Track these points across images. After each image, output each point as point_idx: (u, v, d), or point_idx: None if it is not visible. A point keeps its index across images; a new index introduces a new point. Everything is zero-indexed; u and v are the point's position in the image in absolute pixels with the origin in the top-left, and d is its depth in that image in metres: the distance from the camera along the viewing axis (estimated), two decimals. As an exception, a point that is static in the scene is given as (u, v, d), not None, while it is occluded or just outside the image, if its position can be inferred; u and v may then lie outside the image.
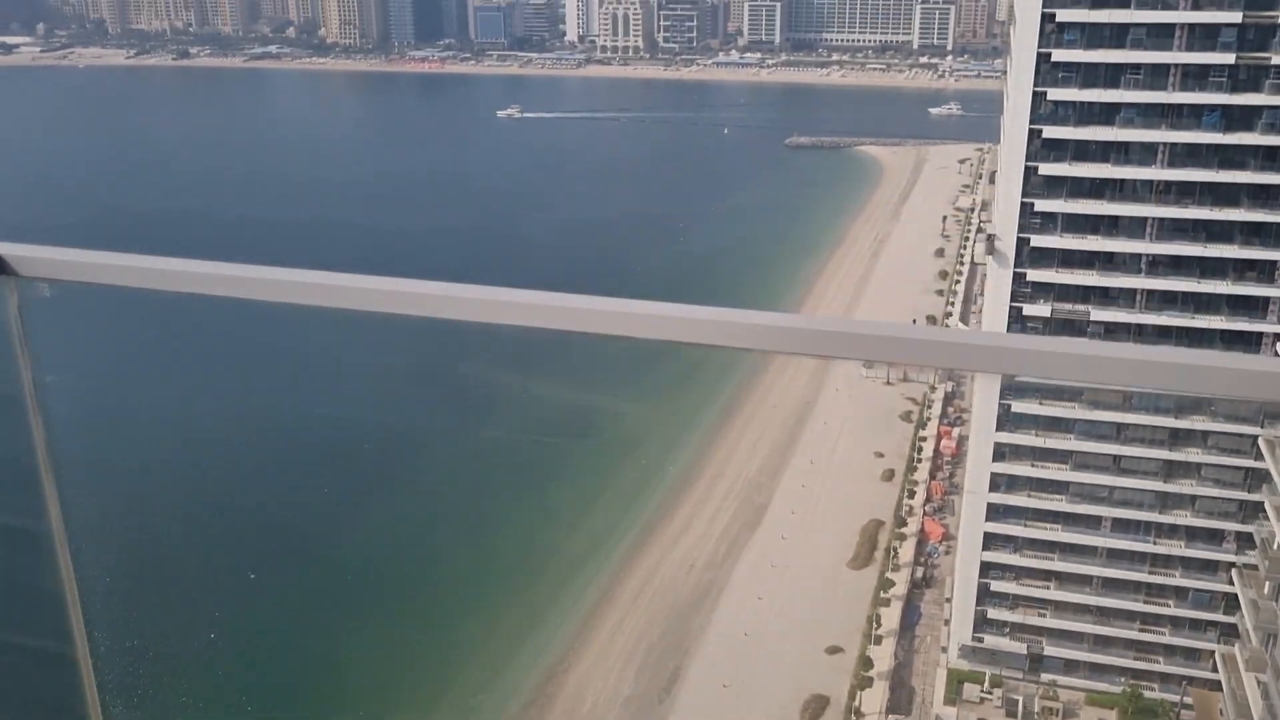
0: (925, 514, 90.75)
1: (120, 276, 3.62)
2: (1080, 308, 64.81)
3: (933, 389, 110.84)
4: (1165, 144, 61.46)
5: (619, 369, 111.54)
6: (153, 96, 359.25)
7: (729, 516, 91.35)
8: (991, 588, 70.25)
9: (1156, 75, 60.92)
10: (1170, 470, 65.13)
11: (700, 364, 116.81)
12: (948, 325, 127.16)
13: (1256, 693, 55.34)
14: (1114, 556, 66.94)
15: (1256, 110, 59.71)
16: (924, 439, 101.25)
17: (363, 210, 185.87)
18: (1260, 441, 59.82)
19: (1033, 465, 67.72)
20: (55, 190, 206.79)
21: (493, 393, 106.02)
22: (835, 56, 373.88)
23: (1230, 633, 63.20)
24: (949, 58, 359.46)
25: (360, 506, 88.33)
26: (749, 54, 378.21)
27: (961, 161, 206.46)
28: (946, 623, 76.26)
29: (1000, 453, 67.94)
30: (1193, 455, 64.37)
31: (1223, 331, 63.03)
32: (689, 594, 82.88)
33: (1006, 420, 67.63)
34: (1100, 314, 64.58)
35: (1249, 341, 62.42)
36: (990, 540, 69.27)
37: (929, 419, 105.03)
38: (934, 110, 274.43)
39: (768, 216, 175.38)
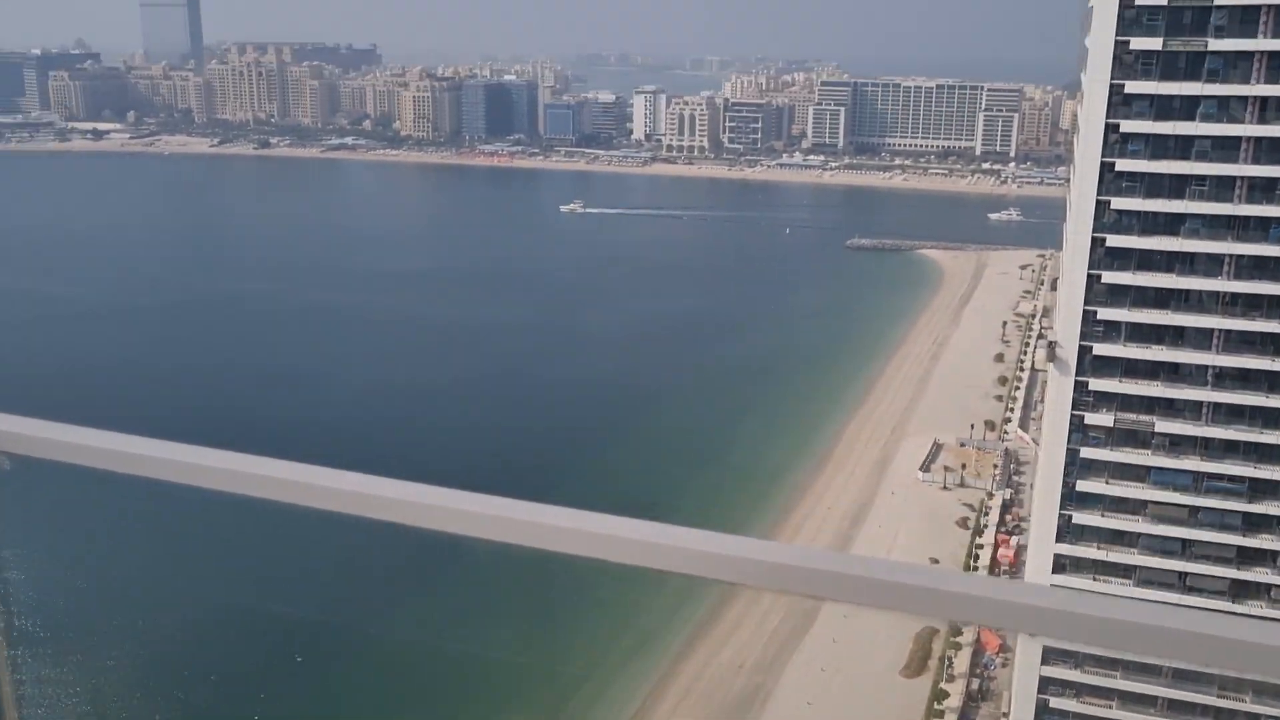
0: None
1: (82, 455, 3.41)
2: (1145, 418, 63.69)
3: (990, 495, 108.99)
4: (1231, 256, 60.90)
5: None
6: (232, 184, 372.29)
7: (780, 617, 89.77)
8: (1051, 704, 67.96)
9: (1222, 187, 60.67)
10: (1239, 590, 63.04)
11: (754, 466, 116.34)
12: (1006, 432, 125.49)
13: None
14: (1178, 677, 64.53)
15: (1326, 225, 59.11)
16: (981, 547, 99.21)
17: (427, 301, 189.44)
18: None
19: (1094, 579, 65.97)
20: (136, 272, 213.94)
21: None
22: (898, 161, 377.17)
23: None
24: (1012, 164, 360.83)
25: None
26: (812, 156, 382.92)
27: (1023, 267, 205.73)
28: (1003, 739, 73.73)
29: (1060, 565, 66.36)
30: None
31: (1293, 447, 61.52)
32: (736, 697, 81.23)
33: (1067, 531, 66.17)
34: (1165, 425, 63.41)
35: (1320, 459, 60.81)
36: (1049, 654, 67.23)
37: (986, 526, 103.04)
38: (993, 215, 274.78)
39: (828, 317, 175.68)
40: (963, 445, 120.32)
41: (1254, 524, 62.53)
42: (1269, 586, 62.15)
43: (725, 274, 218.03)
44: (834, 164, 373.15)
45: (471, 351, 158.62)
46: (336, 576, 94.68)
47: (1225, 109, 60.53)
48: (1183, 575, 63.97)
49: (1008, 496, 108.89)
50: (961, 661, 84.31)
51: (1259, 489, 62.31)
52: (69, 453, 3.42)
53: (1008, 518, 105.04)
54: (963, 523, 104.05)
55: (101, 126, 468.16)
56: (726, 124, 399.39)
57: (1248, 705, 63.54)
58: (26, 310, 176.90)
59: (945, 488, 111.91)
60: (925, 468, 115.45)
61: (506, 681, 79.92)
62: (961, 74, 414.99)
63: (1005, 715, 75.32)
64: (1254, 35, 59.09)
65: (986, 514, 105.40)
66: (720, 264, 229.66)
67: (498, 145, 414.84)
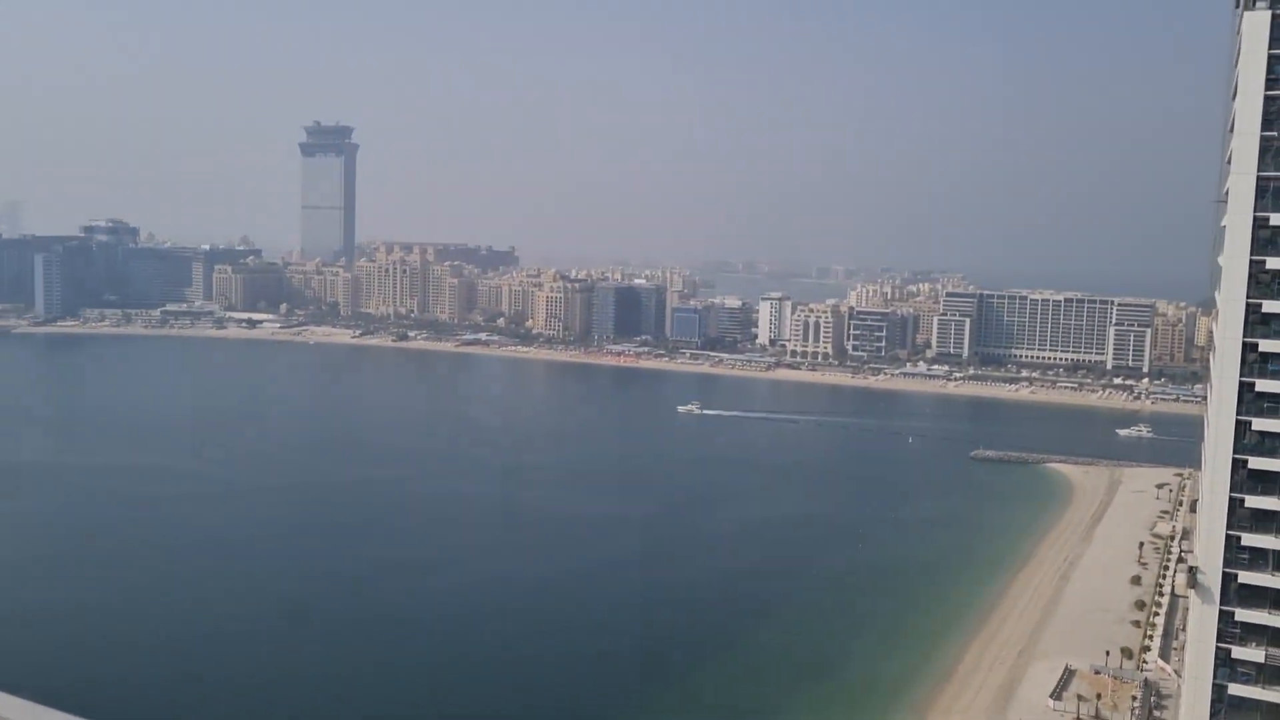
0: None
1: None
2: (1298, 654, 59.41)
3: None
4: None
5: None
6: (370, 373, 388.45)
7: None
8: None
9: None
10: None
11: (871, 682, 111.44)
12: (1145, 661, 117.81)
13: None
14: None
15: None
16: None
17: (548, 494, 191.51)
18: None
19: None
20: (270, 457, 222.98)
21: None
22: (1024, 373, 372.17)
23: None
24: (1145, 380, 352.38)
25: None
26: (936, 365, 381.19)
27: (1159, 486, 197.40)
28: None
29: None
30: None
31: None
32: None
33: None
34: (1322, 664, 58.97)
35: None
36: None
37: None
38: (1122, 431, 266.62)
39: (950, 529, 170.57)
40: (1097, 673, 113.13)
41: None
42: None
43: (846, 480, 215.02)
44: (959, 374, 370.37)
45: (585, 546, 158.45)
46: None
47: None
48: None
49: None
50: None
51: None
52: None
53: None
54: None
55: (256, 316, 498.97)
56: (851, 331, 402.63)
57: None
58: (171, 487, 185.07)
59: (1079, 718, 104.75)
60: (1057, 695, 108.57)
61: None
62: (1087, 287, 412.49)
63: None
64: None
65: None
66: (841, 470, 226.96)
67: (624, 345, 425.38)
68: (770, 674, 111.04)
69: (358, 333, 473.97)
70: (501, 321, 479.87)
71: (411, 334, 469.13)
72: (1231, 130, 62.46)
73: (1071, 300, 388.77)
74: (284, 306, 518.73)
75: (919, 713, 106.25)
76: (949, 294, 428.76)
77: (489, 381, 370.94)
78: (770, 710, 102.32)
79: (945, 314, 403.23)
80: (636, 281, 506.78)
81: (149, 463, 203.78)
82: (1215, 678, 61.43)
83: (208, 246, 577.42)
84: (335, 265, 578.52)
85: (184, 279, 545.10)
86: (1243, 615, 60.28)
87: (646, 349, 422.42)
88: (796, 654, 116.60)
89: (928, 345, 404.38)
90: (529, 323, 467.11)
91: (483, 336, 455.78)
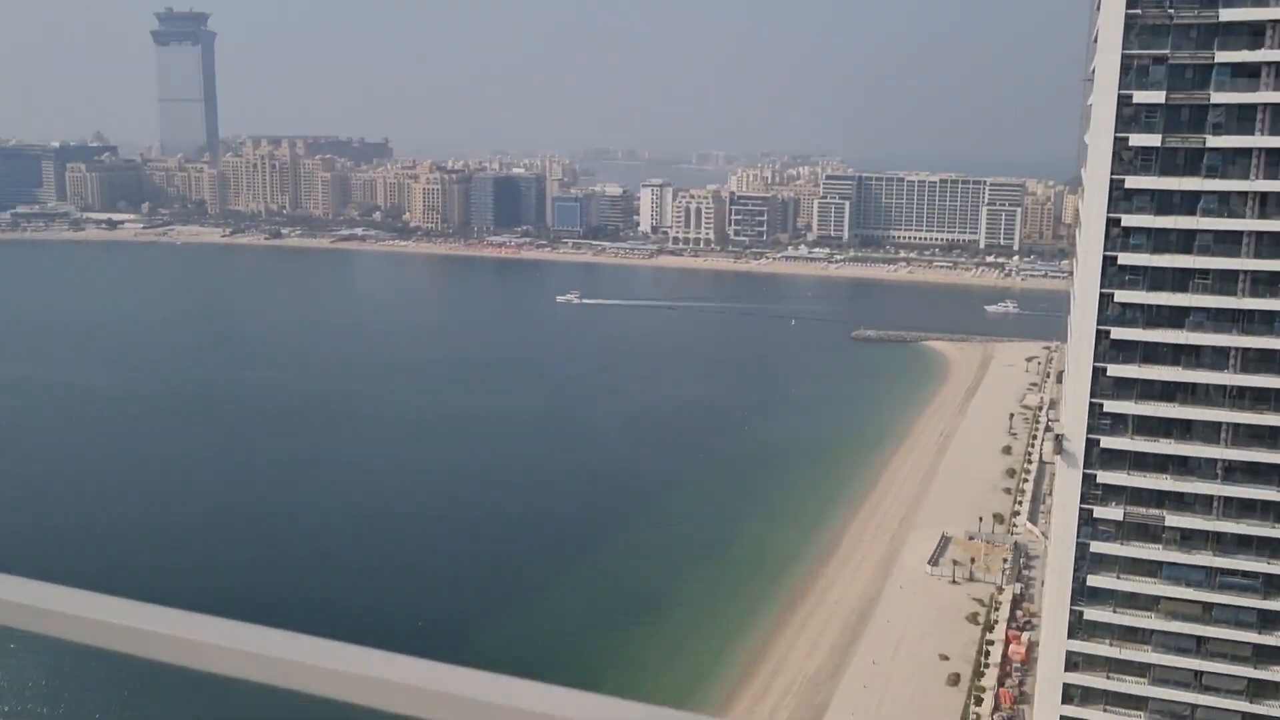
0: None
1: None
2: (1154, 512, 62.99)
3: (1000, 590, 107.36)
4: (1237, 349, 60.81)
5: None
6: (242, 274, 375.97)
7: (786, 716, 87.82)
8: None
9: (1226, 281, 60.87)
10: (1257, 690, 61.62)
11: (758, 560, 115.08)
12: (1015, 525, 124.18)
13: None
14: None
15: (1330, 317, 59.19)
16: (991, 643, 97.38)
17: (430, 391, 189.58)
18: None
19: (1108, 677, 64.56)
20: (141, 362, 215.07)
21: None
22: (902, 253, 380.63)
23: None
24: (1015, 257, 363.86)
25: None
26: (817, 249, 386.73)
27: (1029, 359, 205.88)
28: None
29: (1073, 662, 64.99)
30: (1280, 674, 60.96)
31: (1306, 543, 60.65)
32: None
33: (1079, 628, 64.94)
34: (1176, 520, 62.69)
35: (1335, 555, 59.91)
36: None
37: (996, 622, 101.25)
38: (990, 308, 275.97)
39: (834, 408, 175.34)
40: (971, 539, 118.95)
41: (1270, 621, 61.36)
42: (1287, 686, 60.74)
43: (731, 365, 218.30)
44: (839, 256, 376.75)
45: (474, 442, 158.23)
46: None
47: (1225, 204, 61.04)
48: (1198, 674, 62.60)
49: (1018, 591, 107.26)
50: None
51: (1274, 585, 61.28)
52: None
53: (1018, 613, 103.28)
54: (972, 618, 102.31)
55: (116, 217, 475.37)
56: (732, 217, 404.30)
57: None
58: (31, 398, 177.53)
59: (954, 582, 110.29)
60: (933, 561, 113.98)
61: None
62: (964, 169, 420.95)
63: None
64: (1251, 133, 59.89)
65: (996, 609, 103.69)
66: (726, 355, 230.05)
67: (505, 237, 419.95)
68: (663, 556, 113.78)
69: (227, 231, 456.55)
70: (378, 216, 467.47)
71: (284, 231, 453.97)
72: (1098, 8, 63.27)
73: (946, 181, 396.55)
74: (146, 206, 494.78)
75: (806, 585, 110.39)
76: (828, 177, 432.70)
77: (367, 278, 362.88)
78: (663, 591, 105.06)
79: (825, 197, 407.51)
80: (515, 171, 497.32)
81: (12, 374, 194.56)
82: (1079, 537, 64.91)
83: (57, 144, 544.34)
84: (199, 161, 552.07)
85: (33, 179, 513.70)
86: (1104, 477, 63.54)
87: (528, 240, 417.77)
88: (688, 536, 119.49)
89: (808, 229, 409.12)
90: (406, 216, 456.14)
91: (359, 232, 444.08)
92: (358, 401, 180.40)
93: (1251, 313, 60.64)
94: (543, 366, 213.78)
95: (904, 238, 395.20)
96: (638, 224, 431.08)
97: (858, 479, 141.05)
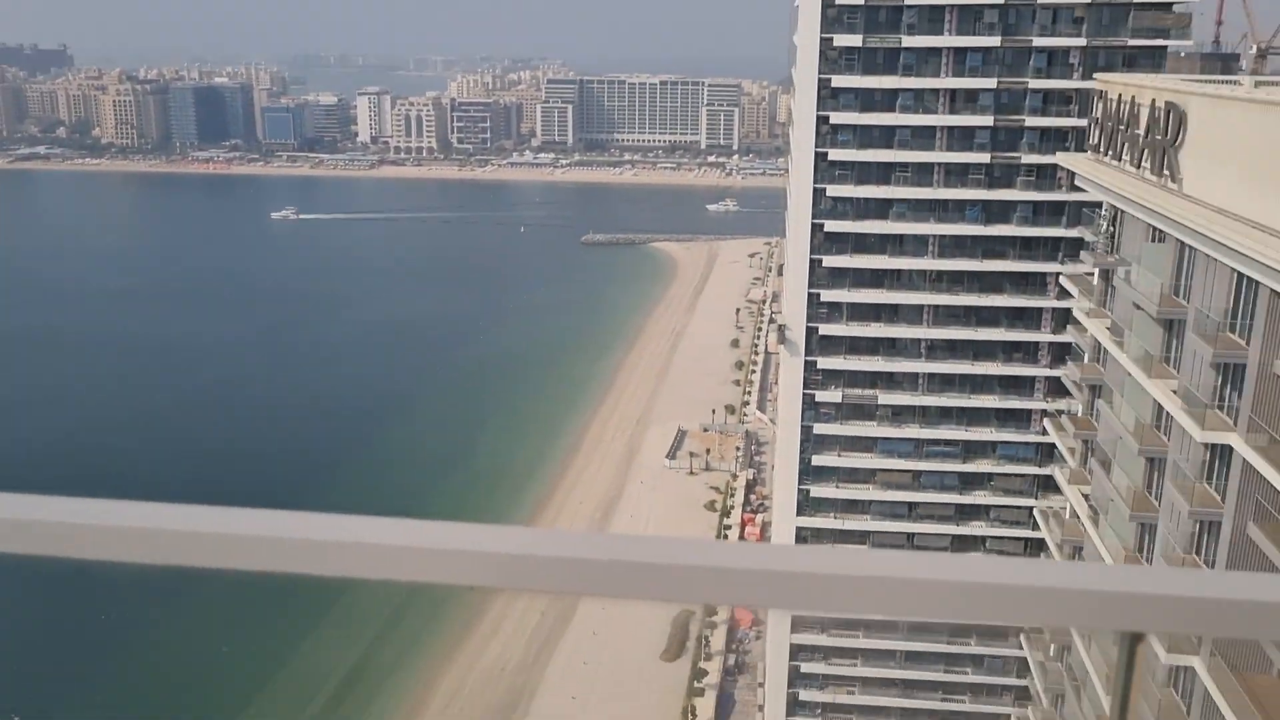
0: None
1: None
2: (869, 392, 67.83)
3: (735, 477, 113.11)
4: (935, 236, 65.70)
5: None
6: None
7: (539, 616, 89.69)
8: (802, 669, 71.24)
9: (923, 173, 65.37)
10: (959, 545, 68.17)
11: (501, 467, 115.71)
12: (746, 414, 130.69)
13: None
14: (914, 628, 69.18)
15: (1012, 204, 64.84)
16: (729, 527, 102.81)
17: (138, 319, 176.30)
18: (1035, 512, 63.48)
19: (835, 517, 69.53)
20: None
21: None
22: (627, 156, 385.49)
23: (1024, 695, 66.09)
24: (735, 157, 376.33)
25: None
26: (543, 154, 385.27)
27: (752, 255, 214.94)
28: (760, 708, 76.68)
29: (802, 538, 69.59)
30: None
31: (996, 410, 67.15)
32: (501, 699, 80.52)
33: (807, 505, 69.55)
34: (888, 398, 67.73)
35: (1020, 419, 66.69)
36: (797, 622, 70.46)
37: (733, 507, 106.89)
38: (711, 207, 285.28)
39: (567, 313, 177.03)
40: (706, 431, 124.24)
41: (969, 482, 67.88)
42: (984, 538, 67.61)
43: (462, 275, 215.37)
44: (565, 161, 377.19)
45: (188, 371, 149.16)
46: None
47: (921, 100, 65.21)
48: (910, 536, 68.57)
49: (751, 477, 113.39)
50: (718, 639, 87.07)
51: (971, 450, 67.71)
52: None
53: (752, 497, 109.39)
54: (710, 505, 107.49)
55: None
56: (454, 124, 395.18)
57: (972, 648, 69.01)
58: None
59: (692, 473, 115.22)
60: (671, 455, 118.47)
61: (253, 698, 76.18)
62: (684, 70, 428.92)
63: (761, 685, 78.35)
64: (940, 33, 63.92)
65: (732, 495, 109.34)
66: (456, 266, 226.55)
67: (212, 152, 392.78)
68: (404, 475, 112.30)
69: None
70: (62, 132, 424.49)
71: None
72: (802, -90, 65.15)
73: (666, 83, 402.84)
74: None
75: (550, 488, 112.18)
76: (550, 81, 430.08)
77: (56, 200, 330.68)
78: (409, 506, 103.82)
79: (548, 101, 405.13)
80: (218, 81, 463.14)
81: None
82: (803, 420, 69.19)
83: None
84: None
85: None
86: (824, 363, 67.78)
87: (237, 154, 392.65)
88: (430, 449, 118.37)
89: (533, 134, 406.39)
90: (96, 132, 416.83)
91: (41, 150, 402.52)
92: (55, 333, 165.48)
93: (945, 202, 65.55)
94: (262, 288, 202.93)
95: (628, 140, 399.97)
96: (356, 134, 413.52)
97: (594, 381, 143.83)
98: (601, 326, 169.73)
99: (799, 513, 69.48)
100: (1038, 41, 63.42)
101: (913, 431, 67.82)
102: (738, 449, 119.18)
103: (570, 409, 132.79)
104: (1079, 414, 47.97)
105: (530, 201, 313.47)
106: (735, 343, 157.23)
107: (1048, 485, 61.59)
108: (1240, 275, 30.39)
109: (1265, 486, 28.56)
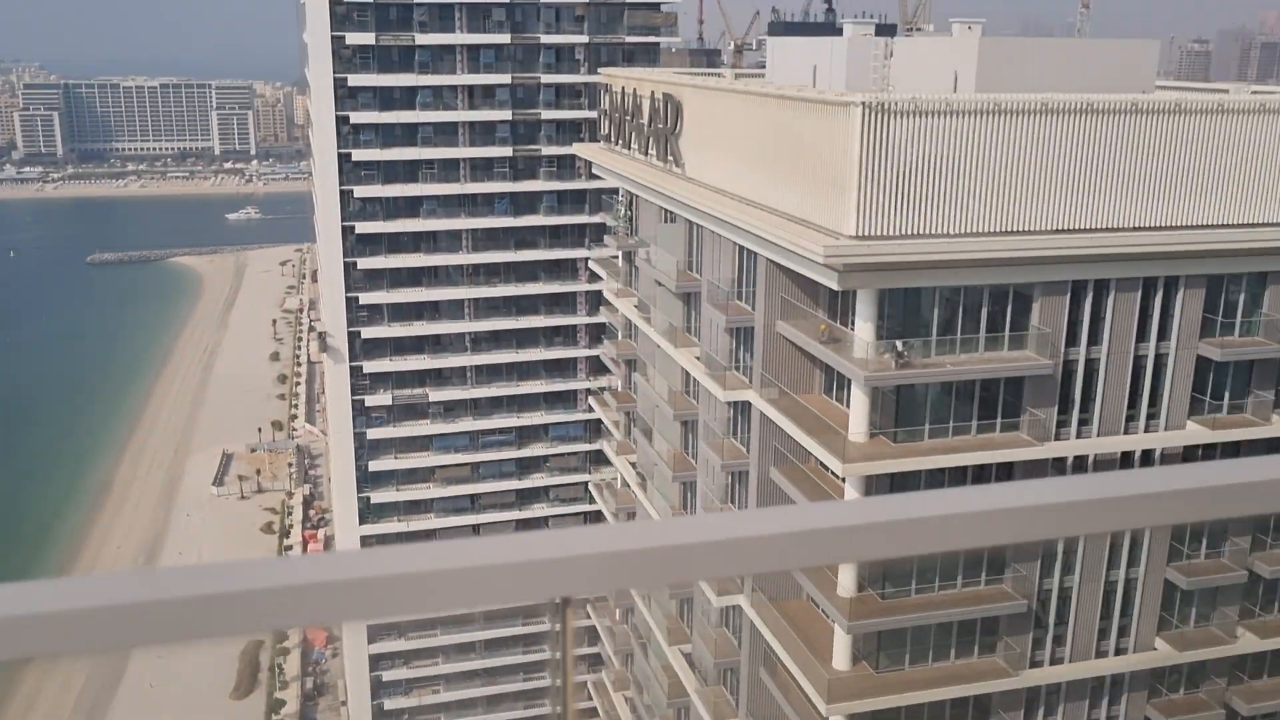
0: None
1: None
2: (418, 391, 67.72)
3: (290, 495, 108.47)
4: (467, 231, 66.86)
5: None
6: None
7: (83, 680, 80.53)
8: (384, 679, 69.96)
9: (449, 169, 66.16)
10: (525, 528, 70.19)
11: (21, 519, 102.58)
12: (295, 429, 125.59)
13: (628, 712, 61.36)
14: (489, 615, 70.30)
15: (538, 195, 67.54)
16: (290, 547, 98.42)
17: None
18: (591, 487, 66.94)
19: (399, 520, 68.82)
20: None
21: None
22: (131, 166, 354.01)
23: (596, 661, 69.52)
24: (254, 162, 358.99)
25: None
26: (28, 168, 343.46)
27: (283, 263, 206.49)
28: (345, 728, 74.38)
29: (367, 545, 68.19)
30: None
31: (544, 394, 69.85)
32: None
33: (369, 512, 68.21)
34: (438, 394, 68.04)
35: (567, 400, 69.88)
36: (373, 631, 69.04)
37: (291, 525, 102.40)
38: (232, 216, 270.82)
39: (81, 341, 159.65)
40: (254, 451, 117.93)
41: (526, 467, 70.05)
42: (547, 519, 70.15)
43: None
44: (56, 175, 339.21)
45: None
46: None
47: (440, 97, 65.89)
48: (476, 528, 69.53)
49: (308, 492, 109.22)
50: (292, 665, 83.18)
51: (525, 435, 69.88)
52: None
53: (311, 513, 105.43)
54: (268, 527, 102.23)
55: None
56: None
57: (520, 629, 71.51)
58: None
59: (243, 497, 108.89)
60: (218, 481, 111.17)
61: None
62: (188, 72, 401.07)
63: (344, 703, 75.99)
64: (452, 30, 64.91)
65: (290, 514, 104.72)
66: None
67: None
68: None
69: None
70: None
71: None
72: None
73: (168, 86, 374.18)
74: None
75: (81, 535, 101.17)
76: (27, 86, 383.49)
77: None
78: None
79: (28, 109, 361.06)
80: None
81: None
82: (355, 427, 67.64)
83: None
84: None
85: None
86: (370, 366, 66.63)
87: None
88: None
89: (13, 146, 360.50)
90: None
91: None
92: None
93: (475, 196, 66.88)
94: None
95: (130, 150, 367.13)
96: None
97: (121, 413, 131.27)
98: (122, 354, 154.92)
99: (362, 521, 68.04)
100: (545, 39, 66.44)
101: (466, 424, 68.77)
102: (290, 465, 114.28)
103: (96, 446, 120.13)
104: (619, 389, 51.11)
105: (19, 222, 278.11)
106: (275, 355, 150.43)
107: (599, 459, 65.06)
108: (741, 248, 33.77)
109: (780, 434, 32.06)
